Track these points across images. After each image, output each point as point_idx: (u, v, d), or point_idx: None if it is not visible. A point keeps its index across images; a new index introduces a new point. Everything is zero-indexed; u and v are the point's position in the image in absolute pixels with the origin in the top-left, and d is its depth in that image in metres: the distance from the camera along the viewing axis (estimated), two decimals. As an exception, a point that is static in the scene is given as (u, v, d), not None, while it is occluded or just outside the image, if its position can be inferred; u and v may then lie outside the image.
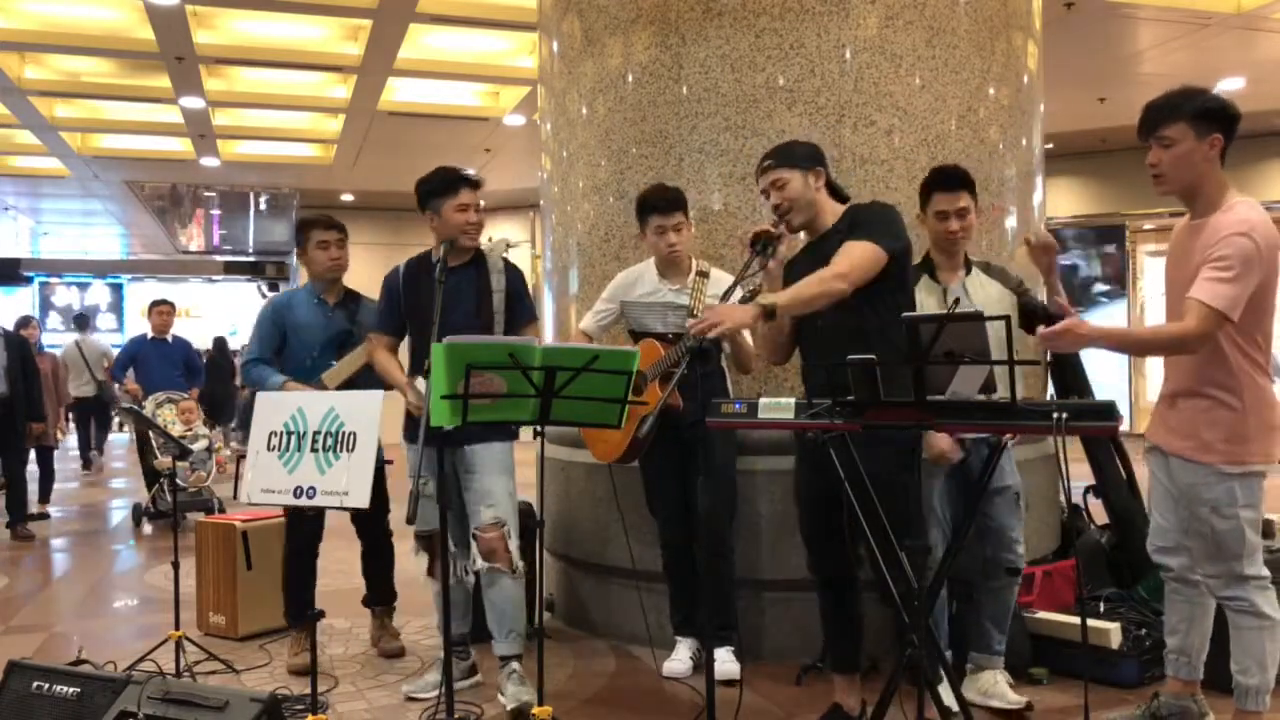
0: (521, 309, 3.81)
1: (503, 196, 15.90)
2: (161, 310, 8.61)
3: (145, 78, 9.95)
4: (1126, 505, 4.41)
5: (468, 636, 3.87)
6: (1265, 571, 2.95)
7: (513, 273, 3.83)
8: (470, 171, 3.81)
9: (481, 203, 3.78)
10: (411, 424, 3.68)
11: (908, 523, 2.70)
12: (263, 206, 17.44)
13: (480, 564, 3.59)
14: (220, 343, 14.26)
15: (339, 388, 4.05)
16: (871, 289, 2.97)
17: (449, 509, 3.49)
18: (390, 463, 3.87)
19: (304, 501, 2.94)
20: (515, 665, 3.62)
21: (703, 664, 3.68)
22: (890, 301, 3.00)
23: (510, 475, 3.69)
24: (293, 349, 4.26)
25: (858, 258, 2.94)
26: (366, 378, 4.04)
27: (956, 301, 3.42)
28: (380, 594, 4.40)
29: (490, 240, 3.92)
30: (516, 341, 2.85)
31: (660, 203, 3.87)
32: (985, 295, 3.49)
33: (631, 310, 4.03)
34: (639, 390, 3.75)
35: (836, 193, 3.25)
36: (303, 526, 4.10)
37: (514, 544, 3.61)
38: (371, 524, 4.30)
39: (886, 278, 3.00)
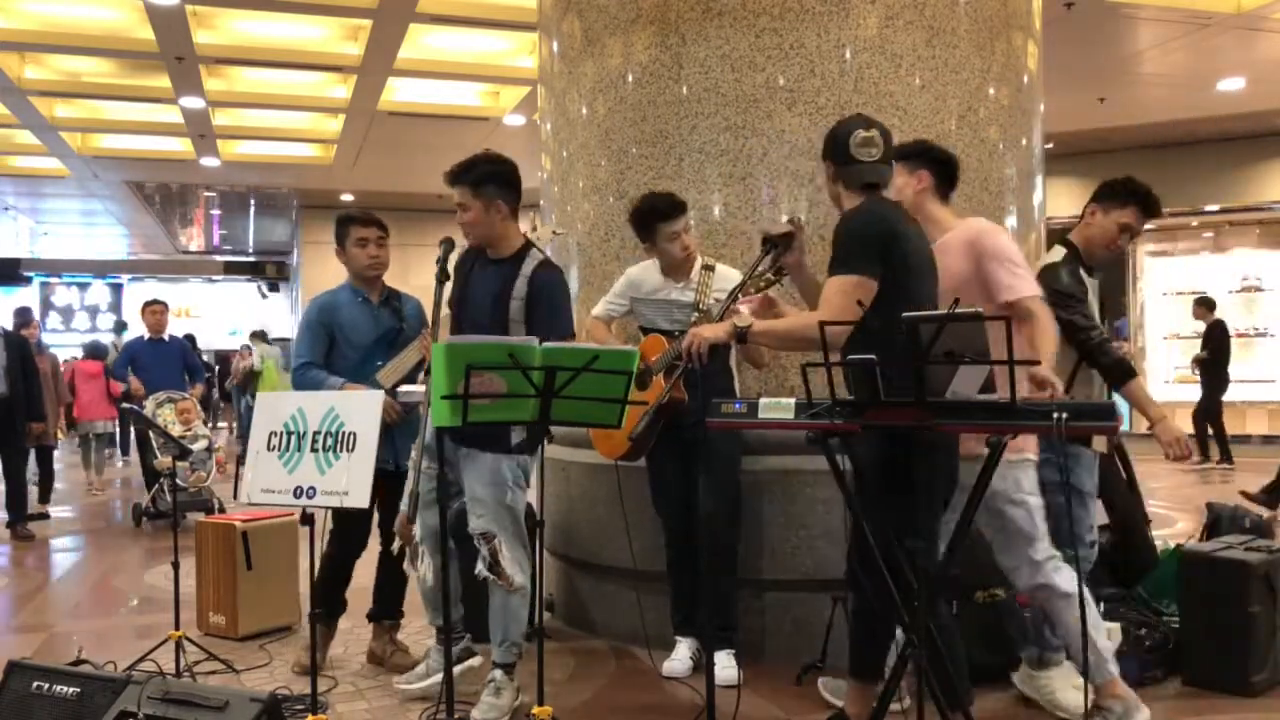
0: (544, 325, 3.38)
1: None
2: (154, 310, 8.51)
3: (145, 78, 9.96)
4: (1126, 505, 4.40)
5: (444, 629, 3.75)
6: (1056, 551, 3.18)
7: (539, 282, 3.51)
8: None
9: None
10: None
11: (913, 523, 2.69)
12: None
13: (483, 570, 3.50)
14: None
15: (394, 385, 3.94)
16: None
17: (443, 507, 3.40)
18: None
19: (304, 501, 2.94)
20: (498, 675, 3.55)
21: (702, 664, 3.69)
22: (893, 302, 2.93)
23: (501, 486, 3.49)
24: (341, 350, 4.12)
25: (837, 305, 2.81)
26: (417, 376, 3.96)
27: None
28: (390, 606, 4.26)
29: (536, 228, 3.83)
30: (516, 341, 2.83)
31: (668, 209, 3.87)
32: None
33: (640, 307, 4.05)
34: (644, 384, 3.76)
35: (859, 178, 3.02)
36: (354, 531, 4.02)
37: (507, 556, 3.48)
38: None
39: (883, 285, 2.88)
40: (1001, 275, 3.09)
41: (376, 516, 4.11)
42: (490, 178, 3.53)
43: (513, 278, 3.53)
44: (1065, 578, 3.14)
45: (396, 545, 3.68)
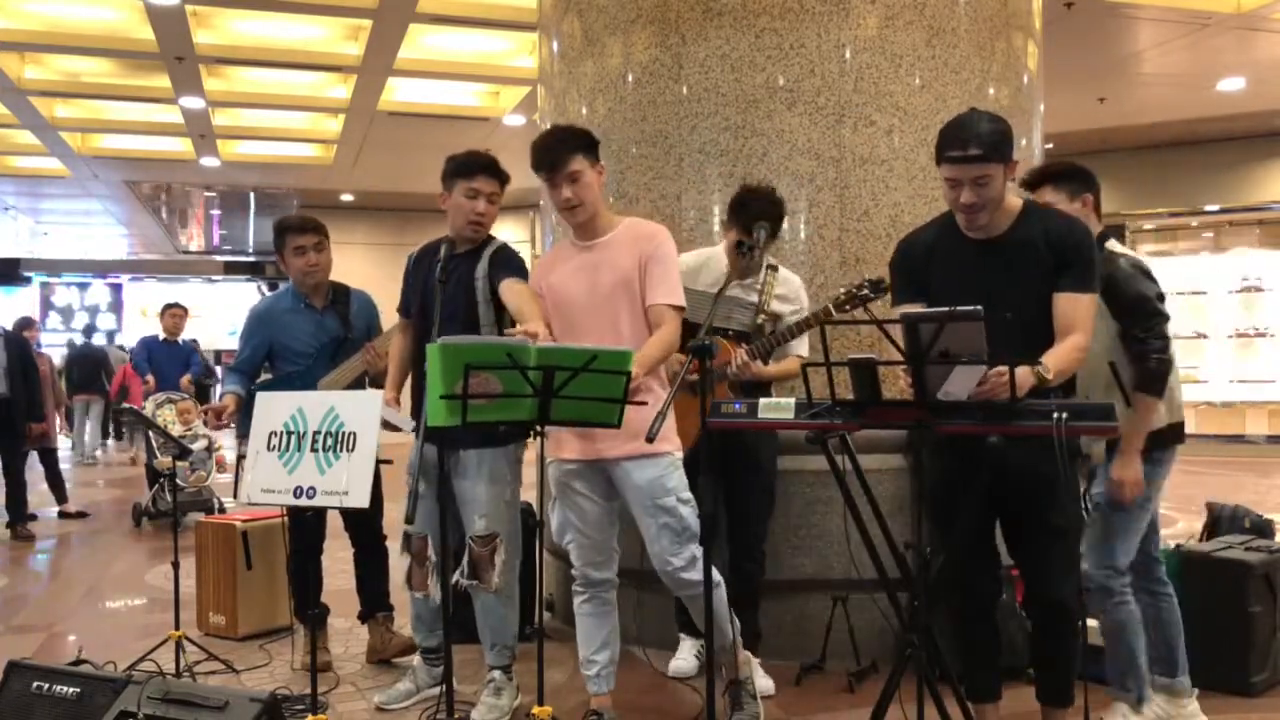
0: (502, 273, 3.46)
1: (503, 196, 15.90)
2: (175, 313, 8.81)
3: (145, 78, 9.96)
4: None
5: (434, 649, 3.75)
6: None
7: (496, 250, 3.58)
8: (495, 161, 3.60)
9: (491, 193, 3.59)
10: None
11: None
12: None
13: (462, 579, 3.44)
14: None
15: None
16: None
17: (444, 512, 3.39)
18: (389, 462, 3.83)
19: (304, 501, 2.94)
20: (496, 675, 3.55)
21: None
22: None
23: (502, 483, 3.50)
24: (282, 357, 4.09)
25: (1093, 328, 2.80)
26: (362, 386, 3.95)
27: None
28: (375, 601, 4.27)
29: None
30: (513, 342, 2.83)
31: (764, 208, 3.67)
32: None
33: (690, 298, 3.47)
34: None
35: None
36: (302, 526, 4.05)
37: (501, 558, 3.45)
38: (364, 525, 4.19)
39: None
40: (672, 278, 3.21)
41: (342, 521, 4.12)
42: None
43: (476, 264, 3.52)
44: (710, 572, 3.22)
45: (405, 569, 3.65)
